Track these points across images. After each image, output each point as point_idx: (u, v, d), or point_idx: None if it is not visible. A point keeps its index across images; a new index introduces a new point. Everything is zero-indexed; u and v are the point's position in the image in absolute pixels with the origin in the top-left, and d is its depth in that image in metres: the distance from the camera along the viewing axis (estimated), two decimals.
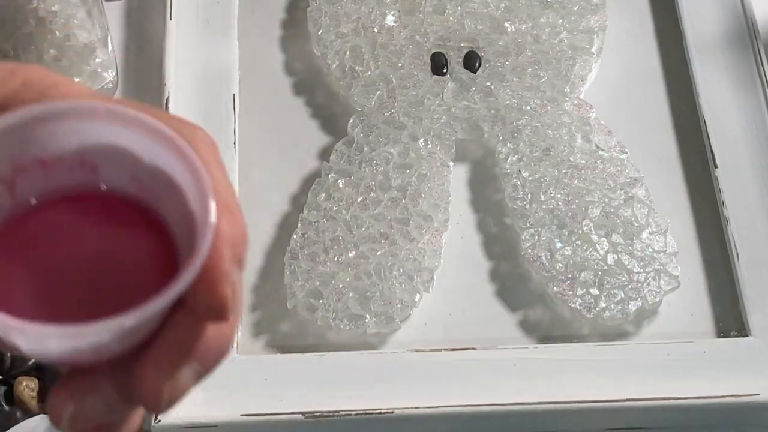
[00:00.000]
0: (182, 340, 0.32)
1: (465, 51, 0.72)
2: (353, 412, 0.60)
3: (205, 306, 0.32)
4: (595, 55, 0.73)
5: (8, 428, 0.60)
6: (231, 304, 0.32)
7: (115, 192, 0.34)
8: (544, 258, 0.65)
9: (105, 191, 0.34)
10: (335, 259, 0.64)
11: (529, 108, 0.70)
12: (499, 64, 0.71)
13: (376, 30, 0.73)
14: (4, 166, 0.33)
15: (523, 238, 0.66)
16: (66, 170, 0.34)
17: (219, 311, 0.32)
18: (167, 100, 0.69)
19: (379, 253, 0.65)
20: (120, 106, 0.32)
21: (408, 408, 0.60)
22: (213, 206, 0.32)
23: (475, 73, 0.71)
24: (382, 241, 0.65)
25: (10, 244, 0.33)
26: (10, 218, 0.33)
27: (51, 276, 0.33)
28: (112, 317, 0.30)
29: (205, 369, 0.33)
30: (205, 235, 0.31)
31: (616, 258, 0.65)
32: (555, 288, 0.65)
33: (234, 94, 0.71)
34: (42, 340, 0.31)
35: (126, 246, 0.34)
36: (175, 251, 0.33)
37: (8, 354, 0.64)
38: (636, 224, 0.66)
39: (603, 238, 0.65)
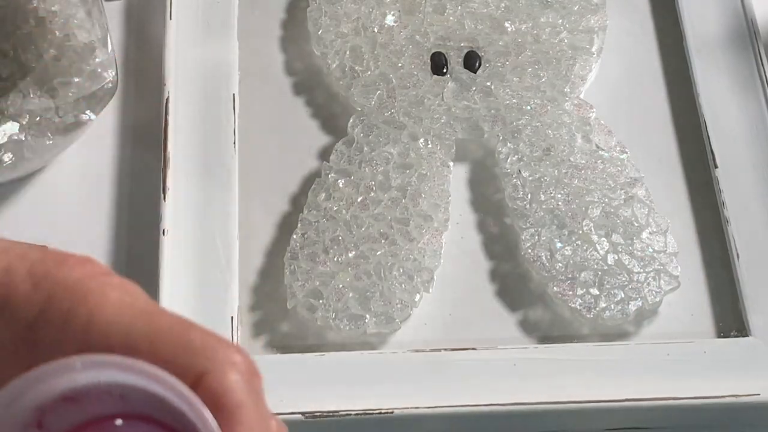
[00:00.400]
0: None
1: (465, 51, 0.72)
2: (353, 412, 0.60)
3: None
4: (595, 55, 0.73)
5: None
6: None
7: (148, 415, 0.33)
8: (544, 258, 0.65)
9: (133, 413, 0.33)
10: (335, 259, 0.64)
11: (529, 108, 0.70)
12: (499, 64, 0.71)
13: (376, 30, 0.73)
14: (29, 414, 0.32)
15: (523, 238, 0.66)
16: (95, 400, 0.33)
17: None
18: (167, 100, 0.69)
19: (379, 253, 0.65)
20: (141, 363, 0.31)
21: (408, 408, 0.60)
22: None
23: (475, 72, 0.71)
24: (382, 241, 0.65)
25: None
26: None
27: None
28: None
29: None
30: None
31: (616, 258, 0.65)
32: (555, 288, 0.65)
33: (234, 94, 0.71)
34: None
35: None
36: None
37: None
38: (636, 224, 0.66)
39: (603, 238, 0.65)
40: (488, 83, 0.71)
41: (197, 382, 0.31)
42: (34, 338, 0.32)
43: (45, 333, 0.32)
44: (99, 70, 0.69)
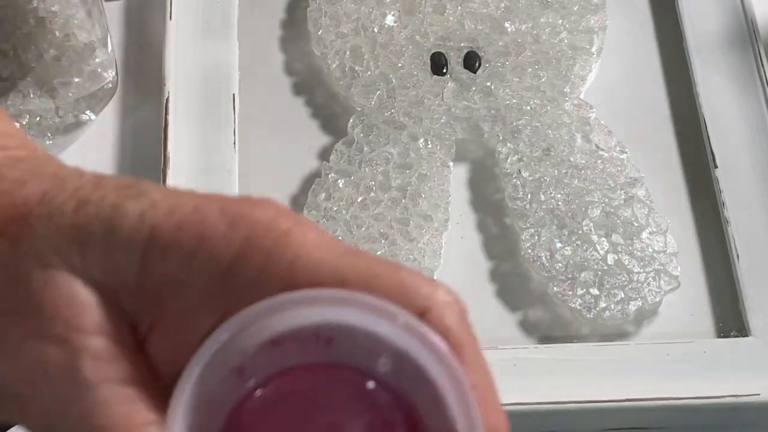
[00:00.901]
0: None
1: (465, 51, 0.72)
2: None
3: None
4: (595, 55, 0.73)
5: (6, 429, 0.60)
6: None
7: (352, 365, 0.30)
8: (544, 258, 0.65)
9: (339, 364, 0.31)
10: None
11: (529, 108, 0.70)
12: (499, 64, 0.71)
13: (376, 30, 0.73)
14: (236, 358, 0.29)
15: (523, 238, 0.66)
16: (297, 345, 0.30)
17: None
18: (167, 100, 0.69)
19: (379, 253, 0.65)
20: (363, 295, 0.29)
21: None
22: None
23: (475, 73, 0.71)
24: (382, 241, 0.65)
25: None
26: (241, 404, 0.30)
27: None
28: None
29: None
30: None
31: (616, 258, 0.65)
32: (555, 288, 0.65)
33: (234, 94, 0.71)
34: None
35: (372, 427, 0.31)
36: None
37: None
38: (636, 224, 0.66)
39: (603, 238, 0.65)
40: (488, 83, 0.71)
41: None
42: (232, 281, 0.30)
43: (244, 275, 0.30)
44: (99, 70, 0.69)
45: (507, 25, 0.73)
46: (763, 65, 0.72)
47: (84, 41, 0.68)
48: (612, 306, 0.64)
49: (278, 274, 0.30)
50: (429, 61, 0.71)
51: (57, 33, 0.66)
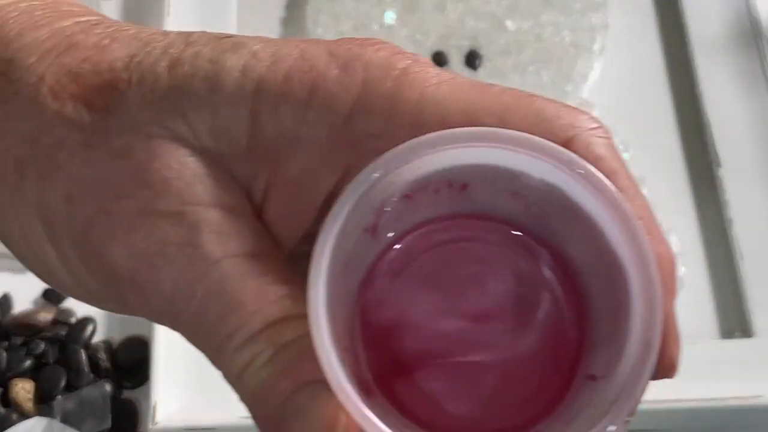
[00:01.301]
0: None
1: (466, 49, 0.71)
2: None
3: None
4: (597, 54, 0.73)
5: (4, 430, 0.60)
6: (678, 361, 0.28)
7: (489, 213, 0.28)
8: None
9: (476, 212, 0.28)
10: None
11: None
12: (500, 63, 0.71)
13: (375, 28, 0.72)
14: (369, 216, 0.27)
15: None
16: (429, 196, 0.27)
17: (667, 372, 0.28)
18: None
19: None
20: (499, 130, 0.26)
21: None
22: (658, 290, 0.26)
23: (476, 71, 0.71)
24: None
25: (387, 292, 0.28)
26: (377, 262, 0.28)
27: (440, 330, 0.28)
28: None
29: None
30: (652, 330, 0.26)
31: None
32: None
33: None
34: None
35: (520, 281, 0.28)
36: (583, 288, 0.28)
37: (3, 355, 0.63)
38: None
39: None
40: (489, 82, 0.70)
41: None
42: (353, 131, 0.27)
43: (366, 123, 0.26)
44: None
45: (508, 23, 0.72)
46: (767, 64, 0.72)
47: None
48: None
49: (403, 118, 0.26)
50: (430, 59, 0.71)
51: None
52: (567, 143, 0.27)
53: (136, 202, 0.27)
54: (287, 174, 0.27)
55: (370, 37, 0.28)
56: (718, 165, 0.68)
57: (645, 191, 0.67)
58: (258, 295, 0.26)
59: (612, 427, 0.26)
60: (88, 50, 0.28)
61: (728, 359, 0.62)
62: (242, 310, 0.26)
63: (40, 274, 0.29)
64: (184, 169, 0.27)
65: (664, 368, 0.28)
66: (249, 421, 0.63)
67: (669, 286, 0.27)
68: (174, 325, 0.27)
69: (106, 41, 0.28)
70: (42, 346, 0.64)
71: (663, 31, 0.76)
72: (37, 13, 0.29)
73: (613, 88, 0.73)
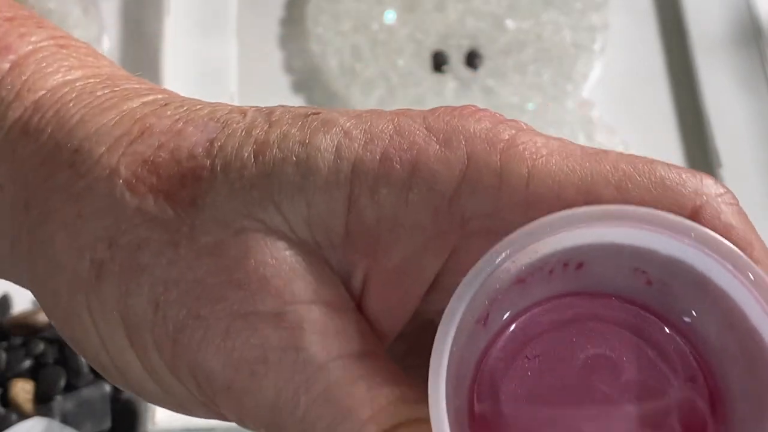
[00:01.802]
0: None
1: (466, 49, 0.71)
2: None
3: None
4: (597, 53, 0.73)
5: (4, 430, 0.60)
6: None
7: (605, 290, 0.26)
8: None
9: (595, 292, 0.26)
10: None
11: (530, 106, 0.69)
12: (500, 63, 0.71)
13: (376, 28, 0.72)
14: (483, 306, 0.25)
15: None
16: (543, 277, 0.25)
17: None
18: None
19: None
20: (621, 207, 0.24)
21: None
22: None
23: (476, 71, 0.71)
24: None
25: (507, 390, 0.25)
26: (486, 352, 0.25)
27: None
28: None
29: None
30: None
31: None
32: None
33: (232, 92, 0.70)
34: None
35: (647, 363, 0.25)
36: (714, 370, 0.25)
37: (3, 355, 0.63)
38: None
39: None
40: (489, 82, 0.70)
41: None
42: (460, 211, 0.24)
43: (473, 203, 0.24)
44: None
45: (508, 22, 0.72)
46: (767, 64, 0.71)
47: (80, 39, 0.67)
48: None
49: (513, 195, 0.24)
50: (429, 59, 0.71)
51: None
52: (694, 214, 0.24)
53: (232, 304, 0.24)
54: (389, 262, 0.25)
55: (467, 105, 0.26)
56: (718, 165, 0.68)
57: None
58: (369, 400, 0.24)
59: None
60: (162, 135, 0.26)
61: None
62: (354, 418, 0.24)
63: (123, 385, 0.27)
64: (280, 264, 0.25)
65: None
66: None
67: None
68: (276, 430, 0.25)
69: (180, 125, 0.26)
70: (41, 346, 0.64)
71: (663, 31, 0.76)
72: (98, 93, 0.27)
73: (613, 88, 0.73)
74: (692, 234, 0.24)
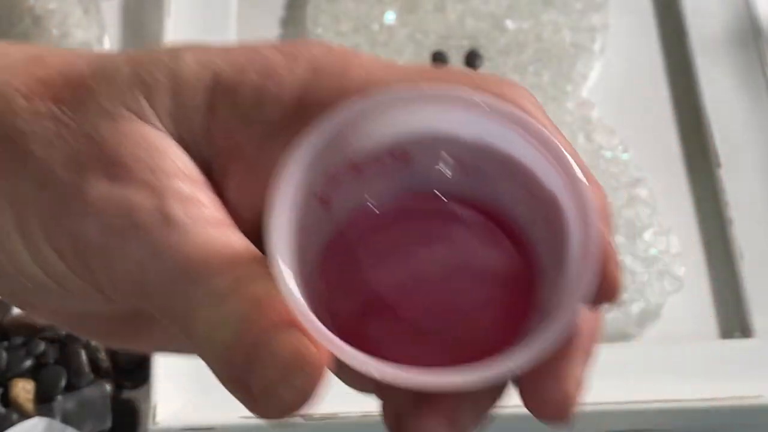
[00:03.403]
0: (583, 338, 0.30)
1: (466, 49, 0.72)
2: (353, 414, 0.59)
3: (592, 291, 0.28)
4: (597, 54, 0.73)
5: (4, 430, 0.60)
6: (619, 282, 0.29)
7: (430, 183, 0.29)
8: None
9: (420, 182, 0.29)
10: None
11: None
12: (500, 63, 0.71)
13: (375, 28, 0.72)
14: (320, 179, 0.28)
15: None
16: (376, 169, 0.29)
17: (612, 294, 0.29)
18: None
19: None
20: (440, 88, 0.28)
21: None
22: (594, 219, 0.27)
23: (476, 71, 0.71)
24: None
25: (347, 269, 0.29)
26: (331, 240, 0.29)
27: (401, 296, 0.28)
28: (497, 364, 0.26)
29: (591, 356, 0.30)
30: (588, 259, 0.27)
31: (619, 258, 0.64)
32: None
33: None
34: (414, 385, 0.27)
35: (467, 247, 0.29)
36: (524, 237, 0.29)
37: (3, 355, 0.63)
38: (639, 224, 0.65)
39: None
40: None
41: None
42: (305, 107, 0.29)
43: (317, 97, 0.29)
44: None
45: (508, 23, 0.72)
46: (767, 64, 0.72)
47: (81, 39, 0.67)
48: (614, 307, 0.63)
49: (352, 88, 0.28)
50: (429, 59, 0.71)
51: (54, 31, 0.66)
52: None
53: (108, 175, 0.28)
54: (242, 153, 0.29)
55: (311, 39, 0.29)
56: (718, 165, 0.68)
57: (645, 191, 0.67)
58: (232, 258, 0.27)
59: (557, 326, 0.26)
60: (57, 66, 0.30)
61: (728, 359, 0.62)
62: (212, 271, 0.27)
63: (3, 276, 0.30)
64: (153, 144, 0.29)
65: (608, 288, 0.29)
66: (249, 421, 0.63)
67: (603, 211, 0.29)
68: (143, 295, 0.28)
69: (72, 58, 0.30)
70: (42, 346, 0.64)
71: (663, 31, 0.76)
72: (11, 49, 0.32)
73: (613, 88, 0.73)
74: (488, 108, 0.28)
